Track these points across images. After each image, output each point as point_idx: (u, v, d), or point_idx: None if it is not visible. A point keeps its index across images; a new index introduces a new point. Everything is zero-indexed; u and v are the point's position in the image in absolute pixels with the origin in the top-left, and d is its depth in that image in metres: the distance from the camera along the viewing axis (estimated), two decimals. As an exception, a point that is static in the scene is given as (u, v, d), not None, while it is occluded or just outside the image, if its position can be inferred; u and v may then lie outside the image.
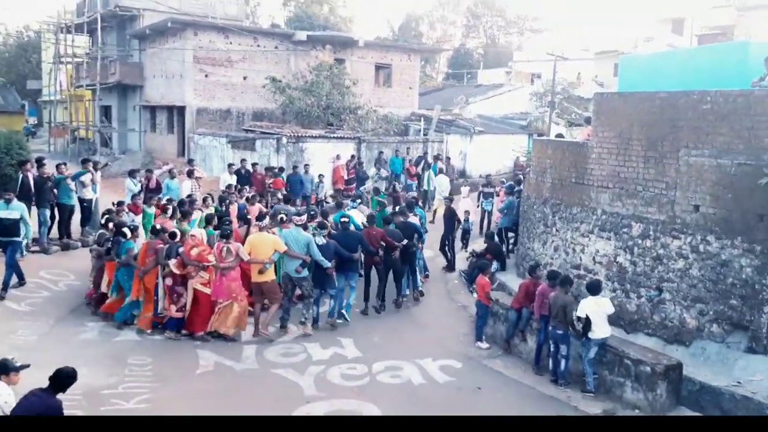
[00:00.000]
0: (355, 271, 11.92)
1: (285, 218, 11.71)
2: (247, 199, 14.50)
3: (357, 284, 11.92)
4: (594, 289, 9.34)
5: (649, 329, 10.28)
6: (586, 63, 37.61)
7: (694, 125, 9.67)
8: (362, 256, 12.23)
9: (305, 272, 11.06)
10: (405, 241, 12.39)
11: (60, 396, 5.90)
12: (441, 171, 21.95)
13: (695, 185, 9.61)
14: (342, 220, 12.34)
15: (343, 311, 11.56)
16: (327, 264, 11.01)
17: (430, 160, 23.35)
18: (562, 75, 33.95)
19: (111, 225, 12.03)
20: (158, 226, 11.47)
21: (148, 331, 10.75)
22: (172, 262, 10.56)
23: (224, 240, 10.62)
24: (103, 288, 11.55)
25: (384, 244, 12.04)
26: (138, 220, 13.42)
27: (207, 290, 10.65)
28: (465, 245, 16.25)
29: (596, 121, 11.48)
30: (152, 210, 13.79)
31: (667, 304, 10.03)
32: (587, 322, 9.08)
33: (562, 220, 12.17)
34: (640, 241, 10.45)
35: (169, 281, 10.65)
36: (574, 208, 11.82)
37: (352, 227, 12.08)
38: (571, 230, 11.89)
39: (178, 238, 10.81)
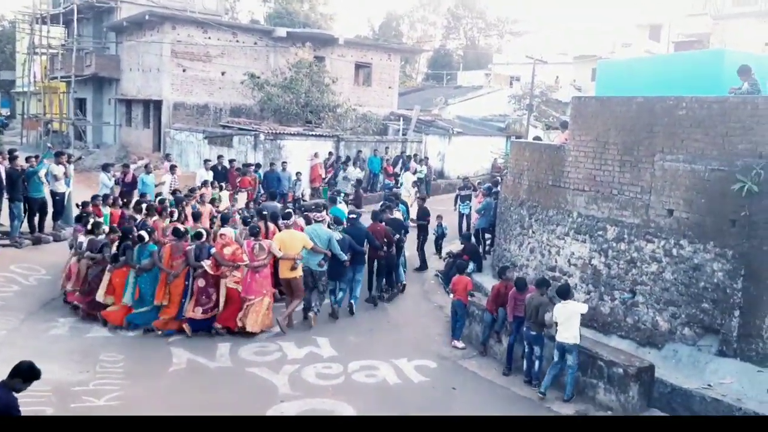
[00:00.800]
0: (363, 264, 12.39)
1: (314, 216, 12.33)
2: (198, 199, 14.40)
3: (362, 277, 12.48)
4: (563, 293, 9.28)
5: (623, 331, 10.40)
6: (564, 67, 37.94)
7: (670, 130, 9.80)
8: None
9: (325, 266, 11.44)
10: (397, 236, 12.89)
11: (24, 392, 5.73)
12: (407, 169, 22.14)
13: (669, 190, 9.73)
14: (350, 216, 12.84)
15: (351, 301, 12.03)
16: (344, 257, 11.48)
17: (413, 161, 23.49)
18: (541, 78, 34.21)
19: (104, 228, 11.87)
20: (182, 228, 11.27)
21: (159, 332, 10.60)
22: (207, 263, 10.51)
23: (254, 238, 10.77)
24: (100, 296, 10.86)
25: (386, 239, 12.56)
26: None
27: (239, 287, 10.67)
28: (438, 251, 15.93)
29: (573, 124, 11.58)
30: (107, 211, 13.64)
31: (640, 306, 10.15)
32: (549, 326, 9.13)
33: (538, 222, 12.25)
34: (614, 244, 10.56)
35: (201, 282, 10.56)
36: (550, 211, 11.91)
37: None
38: (547, 232, 11.98)
39: (204, 238, 10.88)
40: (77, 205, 13.42)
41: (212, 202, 14.31)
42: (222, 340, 10.53)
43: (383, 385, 9.37)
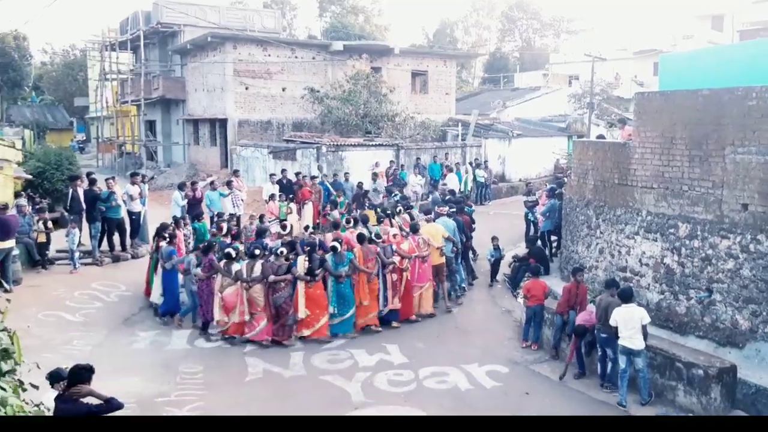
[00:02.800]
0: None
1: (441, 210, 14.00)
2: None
3: None
4: (625, 296, 9.07)
5: (700, 331, 10.10)
6: (624, 63, 37.14)
7: (740, 122, 9.49)
8: None
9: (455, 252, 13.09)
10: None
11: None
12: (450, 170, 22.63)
13: (743, 183, 9.42)
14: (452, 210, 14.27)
15: (457, 286, 13.41)
16: (459, 245, 13.33)
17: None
18: (600, 76, 33.58)
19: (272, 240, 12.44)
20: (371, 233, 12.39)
21: (354, 333, 11.42)
22: (397, 259, 11.81)
23: (415, 233, 12.27)
24: (302, 313, 10.96)
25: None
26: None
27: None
28: (493, 275, 14.63)
29: (638, 120, 11.35)
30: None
31: (717, 305, 9.84)
32: (616, 330, 8.95)
33: (606, 222, 12.05)
34: (687, 242, 10.28)
35: (394, 276, 11.80)
36: (618, 210, 11.70)
37: None
38: (615, 232, 11.76)
39: (381, 239, 12.03)
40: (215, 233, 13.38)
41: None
42: (294, 349, 10.79)
43: (455, 391, 9.39)
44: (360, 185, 19.85)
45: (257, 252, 11.08)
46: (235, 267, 10.97)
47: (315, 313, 11.06)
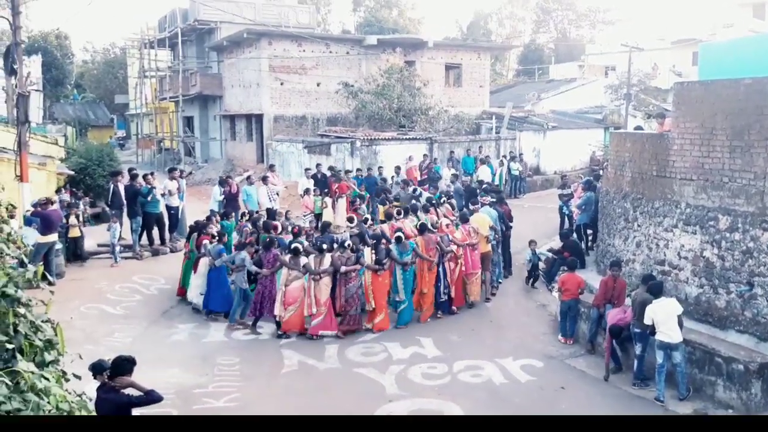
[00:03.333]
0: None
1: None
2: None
3: None
4: (656, 291, 8.98)
5: (741, 326, 9.86)
6: (662, 53, 36.32)
7: (784, 112, 9.23)
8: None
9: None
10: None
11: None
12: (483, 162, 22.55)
13: (787, 175, 9.17)
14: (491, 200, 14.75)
15: (493, 276, 13.61)
16: (500, 235, 13.72)
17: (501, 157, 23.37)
18: (638, 66, 32.92)
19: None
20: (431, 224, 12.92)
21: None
22: (454, 247, 12.20)
23: (465, 223, 12.66)
24: (371, 306, 11.33)
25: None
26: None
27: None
28: (532, 281, 14.05)
29: (677, 111, 11.13)
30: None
31: (759, 299, 9.60)
32: (653, 326, 8.83)
33: (643, 214, 11.85)
34: (728, 235, 10.05)
35: (451, 265, 12.21)
36: (656, 202, 11.49)
37: None
38: (653, 225, 11.56)
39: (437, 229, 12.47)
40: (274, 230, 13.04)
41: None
42: (329, 342, 10.89)
43: (489, 385, 9.37)
44: (383, 180, 19.81)
45: (325, 246, 11.45)
46: (303, 261, 11.23)
47: (380, 304, 11.39)
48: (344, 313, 11.25)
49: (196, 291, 12.29)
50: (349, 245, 11.40)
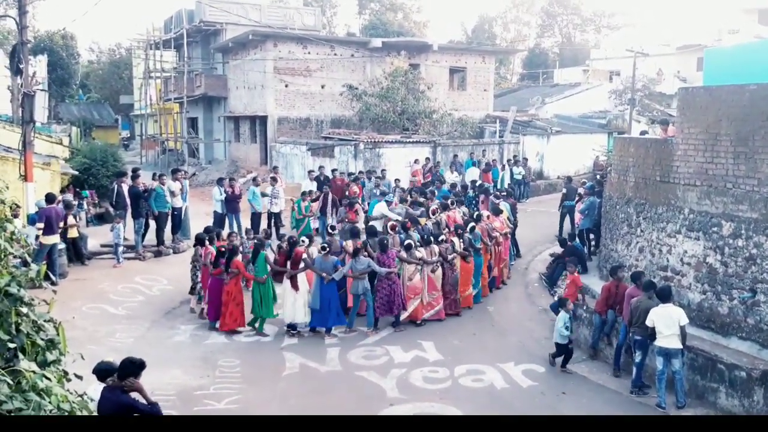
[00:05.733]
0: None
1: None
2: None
3: None
4: (664, 295, 8.93)
5: (743, 333, 9.84)
6: (667, 58, 36.27)
7: (789, 119, 9.21)
8: None
9: None
10: None
11: (156, 398, 6.10)
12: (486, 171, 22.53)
13: (791, 182, 9.15)
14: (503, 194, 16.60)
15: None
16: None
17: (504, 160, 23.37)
18: (642, 71, 32.85)
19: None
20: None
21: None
22: (496, 235, 13.56)
23: (497, 215, 14.16)
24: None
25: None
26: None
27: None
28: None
29: (681, 116, 11.11)
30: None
31: (762, 306, 9.58)
32: (653, 330, 8.80)
33: (646, 220, 11.83)
34: (731, 241, 10.03)
35: (499, 249, 13.78)
36: (659, 208, 11.48)
37: None
38: (656, 230, 11.54)
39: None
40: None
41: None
42: (331, 345, 10.89)
43: (491, 389, 9.37)
44: (397, 182, 19.84)
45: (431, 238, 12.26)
46: (417, 254, 11.81)
47: (467, 286, 12.62)
48: (448, 298, 12.18)
49: (302, 310, 11.34)
50: (442, 239, 12.35)
